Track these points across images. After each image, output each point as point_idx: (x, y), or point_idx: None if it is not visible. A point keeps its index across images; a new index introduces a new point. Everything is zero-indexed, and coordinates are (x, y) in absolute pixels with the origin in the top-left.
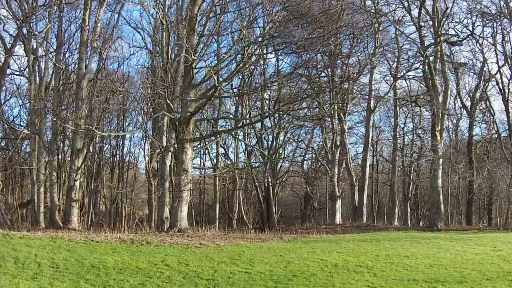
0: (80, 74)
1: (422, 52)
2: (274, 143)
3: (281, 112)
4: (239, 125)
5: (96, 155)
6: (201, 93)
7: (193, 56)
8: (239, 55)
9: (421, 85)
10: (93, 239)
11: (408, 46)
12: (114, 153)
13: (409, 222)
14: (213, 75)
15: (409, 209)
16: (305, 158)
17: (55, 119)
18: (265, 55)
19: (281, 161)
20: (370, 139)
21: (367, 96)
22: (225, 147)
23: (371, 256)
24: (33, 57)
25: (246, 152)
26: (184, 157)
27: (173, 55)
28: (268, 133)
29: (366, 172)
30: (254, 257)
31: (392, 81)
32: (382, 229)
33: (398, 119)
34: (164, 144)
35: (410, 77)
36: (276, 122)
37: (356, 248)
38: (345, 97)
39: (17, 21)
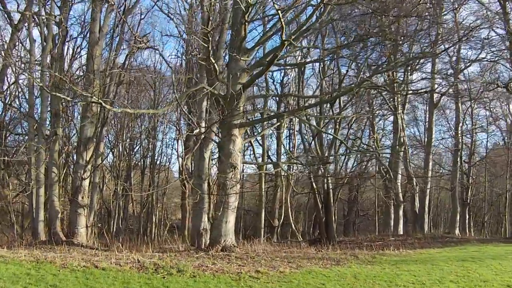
0: (92, 39)
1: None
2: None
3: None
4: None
5: (126, 154)
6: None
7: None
8: None
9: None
10: (98, 264)
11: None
12: (145, 154)
13: (471, 230)
14: (282, 20)
15: (467, 216)
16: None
17: (50, 92)
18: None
19: (359, 154)
20: (433, 137)
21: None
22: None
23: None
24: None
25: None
26: (232, 147)
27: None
28: (343, 119)
29: (428, 174)
30: None
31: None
32: (463, 241)
33: (460, 116)
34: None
35: (496, 59)
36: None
37: (467, 274)
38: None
39: None
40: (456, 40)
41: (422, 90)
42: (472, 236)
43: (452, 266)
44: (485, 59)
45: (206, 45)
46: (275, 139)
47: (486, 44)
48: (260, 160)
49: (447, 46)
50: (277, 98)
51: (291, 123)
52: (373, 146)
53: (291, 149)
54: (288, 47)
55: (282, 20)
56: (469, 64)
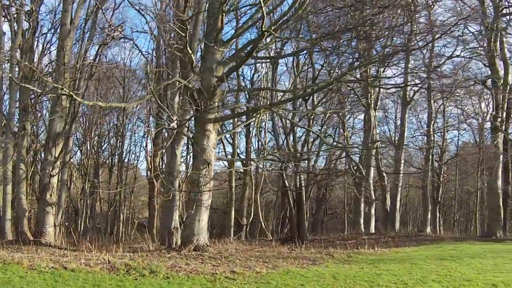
0: (63, 31)
1: (487, 25)
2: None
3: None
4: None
5: (94, 152)
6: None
7: None
8: None
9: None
10: (67, 265)
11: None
12: (113, 152)
13: (441, 229)
14: (263, 9)
15: (437, 214)
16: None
17: (20, 83)
18: None
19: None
20: (405, 135)
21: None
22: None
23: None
24: None
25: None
26: (206, 143)
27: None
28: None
29: (399, 173)
30: None
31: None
32: (437, 239)
33: (432, 114)
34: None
35: (468, 56)
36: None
37: (448, 273)
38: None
39: None
40: (431, 37)
41: (403, 84)
42: (441, 234)
43: (432, 265)
44: (461, 56)
45: (183, 34)
46: (244, 136)
47: (461, 41)
48: (230, 157)
49: (421, 43)
50: (248, 95)
51: (262, 120)
52: (344, 144)
53: (260, 147)
54: (267, 39)
55: (263, 8)
56: (443, 61)
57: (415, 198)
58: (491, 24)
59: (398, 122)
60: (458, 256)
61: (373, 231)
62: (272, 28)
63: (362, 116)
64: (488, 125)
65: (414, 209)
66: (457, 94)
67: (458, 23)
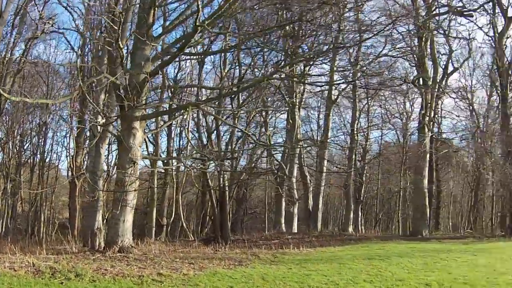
0: None
1: (419, 25)
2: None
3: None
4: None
5: (16, 152)
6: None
7: None
8: None
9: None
10: None
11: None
12: (35, 152)
13: (362, 228)
14: (198, 3)
15: (359, 213)
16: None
17: None
18: None
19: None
20: (329, 134)
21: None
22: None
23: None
24: None
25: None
26: (132, 141)
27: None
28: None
29: (322, 173)
30: None
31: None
32: (363, 239)
33: (356, 114)
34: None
35: (398, 55)
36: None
37: (379, 273)
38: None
39: None
40: (359, 36)
41: (338, 82)
42: (364, 233)
43: (361, 265)
44: (389, 55)
45: (116, 28)
46: (166, 136)
47: (390, 41)
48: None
49: (352, 42)
50: (171, 93)
51: (185, 119)
52: (265, 142)
53: (182, 146)
54: (198, 35)
55: (198, 1)
56: (370, 60)
57: (335, 198)
58: (423, 24)
59: (321, 121)
60: (386, 255)
61: (296, 231)
62: (206, 22)
63: (284, 116)
64: (412, 124)
65: (335, 208)
66: (382, 94)
67: (394, 23)
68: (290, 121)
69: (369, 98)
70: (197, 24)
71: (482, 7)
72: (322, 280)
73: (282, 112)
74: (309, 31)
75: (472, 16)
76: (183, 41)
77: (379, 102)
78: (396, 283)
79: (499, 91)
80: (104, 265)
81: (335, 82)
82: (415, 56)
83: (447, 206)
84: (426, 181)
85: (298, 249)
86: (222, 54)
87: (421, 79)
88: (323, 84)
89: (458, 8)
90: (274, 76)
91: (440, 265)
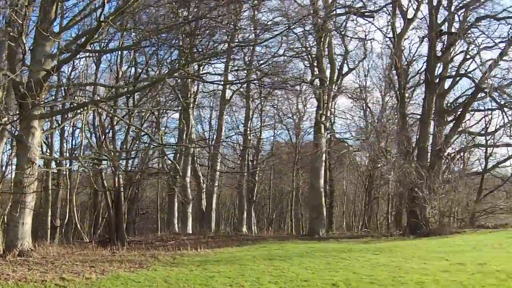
0: None
1: (319, 26)
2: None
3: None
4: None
5: None
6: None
7: None
8: None
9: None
10: None
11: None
12: None
13: (255, 228)
14: None
15: (253, 213)
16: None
17: None
18: None
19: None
20: (222, 134)
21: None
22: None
23: None
24: None
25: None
26: (31, 141)
27: None
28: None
29: (216, 173)
30: None
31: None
32: (260, 239)
33: (249, 114)
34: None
35: (293, 55)
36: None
37: (282, 273)
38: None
39: None
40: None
41: (243, 80)
42: (258, 233)
43: (262, 266)
44: (285, 55)
45: (21, 22)
46: (59, 136)
47: (285, 41)
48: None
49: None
50: (64, 91)
51: (78, 119)
52: (158, 142)
53: (75, 146)
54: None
55: None
56: (264, 61)
57: (227, 198)
58: (322, 25)
59: (213, 121)
60: (287, 255)
61: (191, 231)
62: (110, 18)
63: (176, 115)
64: (306, 124)
65: (227, 208)
66: (275, 94)
67: (295, 24)
68: (183, 121)
69: (262, 98)
70: (101, 20)
71: (382, 9)
72: (226, 282)
73: (174, 111)
74: (205, 30)
75: (374, 17)
76: (86, 37)
77: (272, 102)
78: (302, 283)
79: (397, 92)
80: (5, 269)
81: (240, 81)
82: (310, 56)
83: (340, 206)
84: (322, 181)
85: (196, 250)
86: (119, 52)
87: (318, 80)
88: (229, 82)
89: (360, 9)
90: (175, 74)
91: (343, 264)
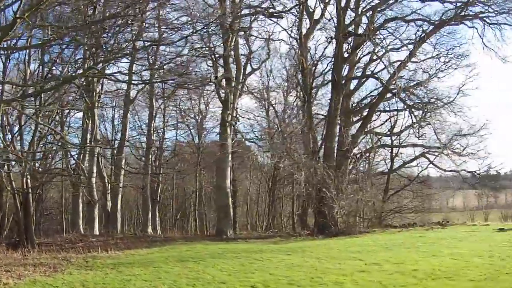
0: None
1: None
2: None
3: None
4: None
5: None
6: None
7: None
8: None
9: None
10: None
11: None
12: None
13: (158, 228)
14: None
15: (157, 214)
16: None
17: None
18: None
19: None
20: (126, 135)
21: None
22: None
23: None
24: None
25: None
26: None
27: None
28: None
29: (120, 173)
30: None
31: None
32: (168, 240)
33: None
34: None
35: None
36: None
37: (198, 275)
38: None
39: None
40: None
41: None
42: (165, 234)
43: (176, 268)
44: (189, 55)
45: None
46: None
47: (189, 41)
48: None
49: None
50: None
51: None
52: (62, 142)
53: None
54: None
55: None
56: (168, 62)
57: (131, 198)
58: (230, 25)
59: (116, 121)
60: (199, 257)
61: (98, 233)
62: (26, 14)
63: (79, 115)
64: (208, 124)
65: (129, 209)
66: (177, 94)
67: (208, 24)
68: (87, 120)
69: (165, 98)
70: (17, 16)
71: (290, 9)
72: (143, 285)
73: (78, 111)
74: (111, 29)
75: (282, 18)
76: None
77: (174, 102)
78: (220, 285)
79: (302, 92)
80: None
81: (156, 81)
82: (214, 56)
83: (243, 205)
84: (228, 182)
85: (106, 252)
86: (27, 50)
87: (224, 79)
88: (149, 82)
89: (268, 10)
90: (88, 73)
91: (257, 265)
